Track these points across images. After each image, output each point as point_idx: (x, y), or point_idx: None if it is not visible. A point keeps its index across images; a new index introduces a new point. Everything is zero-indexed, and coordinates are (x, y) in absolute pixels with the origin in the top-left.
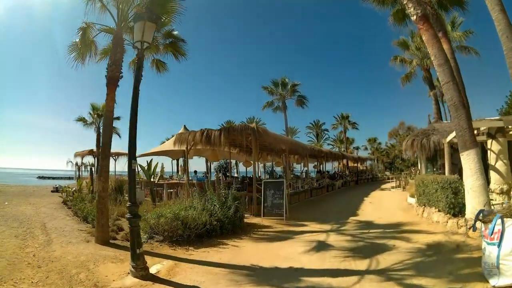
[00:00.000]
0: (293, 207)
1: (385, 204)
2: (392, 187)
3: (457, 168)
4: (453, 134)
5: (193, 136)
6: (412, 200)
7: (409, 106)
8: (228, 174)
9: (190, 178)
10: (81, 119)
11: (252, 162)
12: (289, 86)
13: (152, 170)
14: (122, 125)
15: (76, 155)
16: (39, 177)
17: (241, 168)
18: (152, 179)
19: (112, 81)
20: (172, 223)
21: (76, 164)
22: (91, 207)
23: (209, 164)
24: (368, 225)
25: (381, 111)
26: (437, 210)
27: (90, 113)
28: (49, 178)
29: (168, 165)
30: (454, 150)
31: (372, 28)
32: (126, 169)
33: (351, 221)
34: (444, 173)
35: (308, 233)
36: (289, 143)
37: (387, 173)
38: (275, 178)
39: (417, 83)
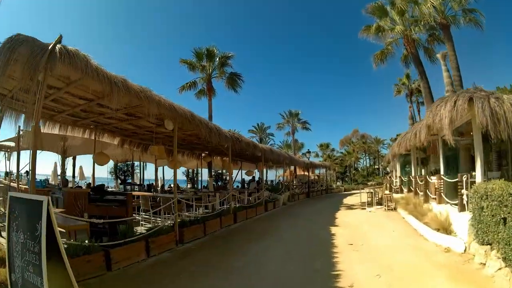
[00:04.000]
0: (186, 254)
1: (386, 251)
2: (368, 205)
3: None
4: None
5: None
6: (456, 242)
7: (365, 115)
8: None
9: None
10: None
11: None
12: (217, 59)
13: None
14: None
15: None
16: None
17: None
18: None
19: None
20: None
21: None
22: None
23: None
24: None
25: (333, 116)
26: None
27: None
28: None
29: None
30: None
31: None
32: None
33: None
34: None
35: None
36: (173, 110)
37: (339, 183)
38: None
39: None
